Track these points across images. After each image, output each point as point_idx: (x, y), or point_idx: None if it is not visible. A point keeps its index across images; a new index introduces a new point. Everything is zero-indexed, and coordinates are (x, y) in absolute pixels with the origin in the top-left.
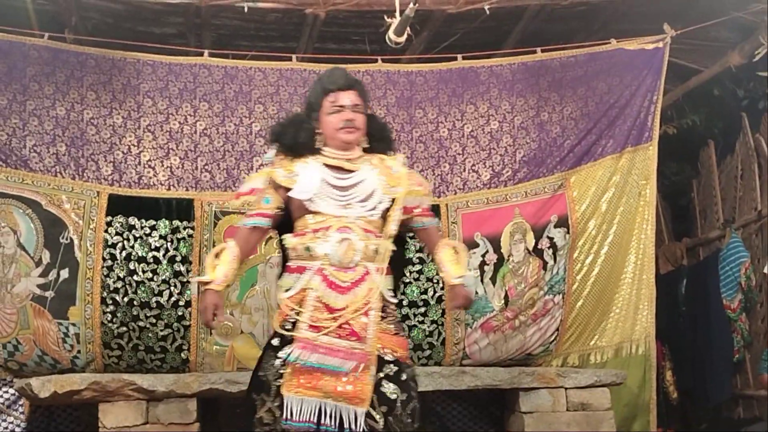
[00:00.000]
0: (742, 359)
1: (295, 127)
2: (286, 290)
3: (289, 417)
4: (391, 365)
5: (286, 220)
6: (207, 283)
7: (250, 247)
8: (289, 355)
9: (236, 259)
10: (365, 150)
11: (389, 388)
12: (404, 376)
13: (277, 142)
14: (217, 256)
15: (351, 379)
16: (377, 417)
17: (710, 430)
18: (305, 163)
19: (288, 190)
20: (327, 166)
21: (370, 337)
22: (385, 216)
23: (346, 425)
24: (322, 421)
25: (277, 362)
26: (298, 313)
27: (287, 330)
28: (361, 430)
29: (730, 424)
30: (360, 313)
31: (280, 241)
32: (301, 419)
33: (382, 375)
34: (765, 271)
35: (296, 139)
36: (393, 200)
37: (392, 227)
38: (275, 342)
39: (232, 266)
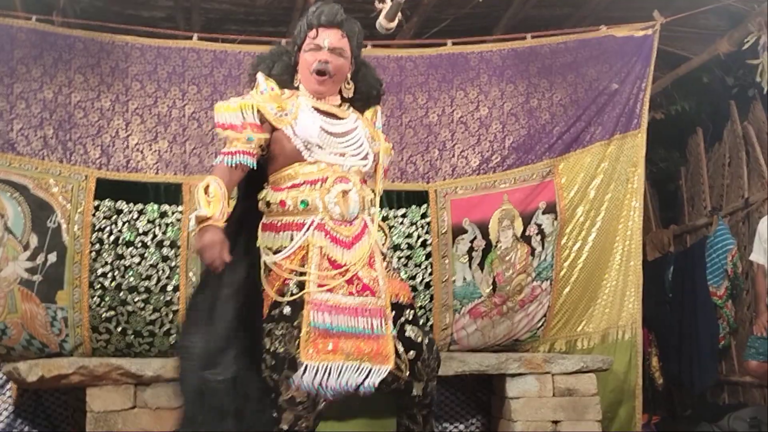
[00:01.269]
0: (727, 346)
1: (273, 58)
2: (276, 251)
3: (315, 386)
4: (409, 309)
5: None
6: (205, 220)
7: (232, 186)
8: (302, 320)
9: (226, 197)
10: (345, 100)
11: (413, 332)
12: (421, 320)
13: (260, 70)
14: (205, 191)
15: (372, 337)
16: (401, 366)
17: (696, 415)
18: (294, 102)
19: (274, 129)
20: (317, 110)
21: (383, 289)
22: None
23: (369, 384)
24: (348, 384)
25: (296, 332)
26: (302, 274)
27: (293, 294)
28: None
29: (716, 409)
30: (367, 265)
31: (246, 195)
32: (331, 387)
33: (403, 320)
34: (751, 258)
35: (270, 70)
36: (375, 155)
37: (380, 186)
38: (286, 311)
39: (225, 202)
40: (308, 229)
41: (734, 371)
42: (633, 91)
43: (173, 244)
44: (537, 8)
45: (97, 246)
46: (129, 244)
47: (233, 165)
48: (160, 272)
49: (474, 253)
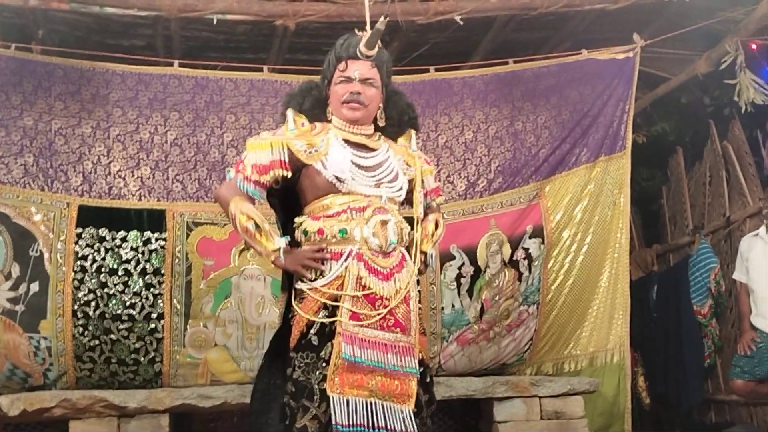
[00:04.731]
0: (713, 364)
1: (302, 94)
2: (313, 279)
3: (338, 421)
4: (419, 365)
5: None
6: (278, 248)
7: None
8: (331, 351)
9: (265, 219)
10: (378, 130)
11: (418, 390)
12: (428, 378)
13: (290, 107)
14: (257, 227)
15: (399, 376)
16: None
17: None
18: (324, 136)
19: (304, 165)
20: (347, 142)
21: (414, 327)
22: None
23: (390, 425)
24: (370, 422)
25: (321, 363)
26: (336, 299)
27: (324, 323)
28: (413, 429)
29: (703, 428)
30: (401, 301)
31: (284, 224)
32: (351, 423)
33: None
34: (734, 276)
35: (301, 106)
36: (410, 181)
37: (420, 210)
38: (314, 340)
39: (269, 226)
40: (347, 258)
41: (720, 390)
42: (616, 113)
43: (157, 272)
44: (516, 32)
45: (80, 274)
46: (112, 272)
47: (248, 194)
48: (144, 300)
49: (462, 280)
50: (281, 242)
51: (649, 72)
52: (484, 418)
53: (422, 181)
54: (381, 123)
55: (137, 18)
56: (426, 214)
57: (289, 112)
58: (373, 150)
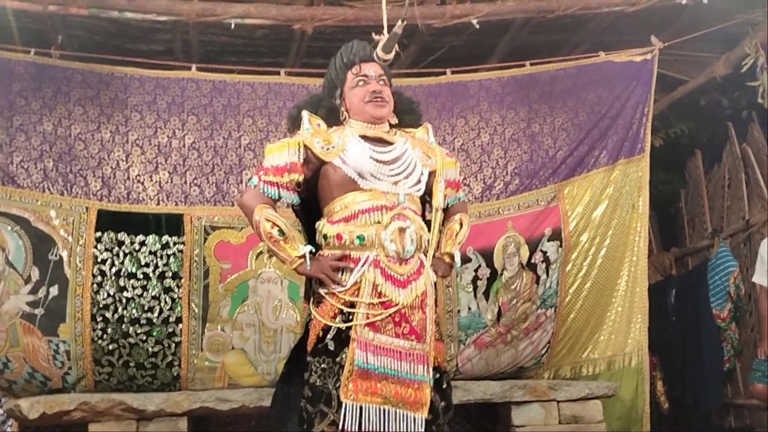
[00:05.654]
0: (732, 368)
1: (313, 102)
2: (338, 286)
3: (348, 428)
4: (436, 372)
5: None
6: (303, 255)
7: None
8: (344, 357)
9: (290, 226)
10: (393, 126)
11: (433, 396)
12: (444, 384)
13: (299, 112)
14: (282, 234)
15: (412, 383)
16: None
17: None
18: (341, 134)
19: (323, 162)
20: (364, 138)
21: (429, 334)
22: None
23: None
24: (382, 429)
25: (337, 368)
26: (352, 306)
27: (340, 328)
28: None
29: None
30: (417, 308)
31: (307, 231)
32: (361, 430)
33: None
34: (754, 280)
35: (316, 111)
36: (430, 173)
37: (440, 199)
38: (330, 346)
39: (294, 232)
40: (363, 264)
41: (740, 394)
42: (635, 116)
43: (175, 276)
44: (533, 35)
45: (99, 278)
46: (131, 276)
47: (273, 198)
48: (162, 304)
49: (479, 282)
50: (305, 249)
51: (666, 74)
52: (501, 422)
53: (444, 173)
54: (393, 121)
55: (156, 23)
56: (451, 214)
57: (305, 114)
58: (390, 143)
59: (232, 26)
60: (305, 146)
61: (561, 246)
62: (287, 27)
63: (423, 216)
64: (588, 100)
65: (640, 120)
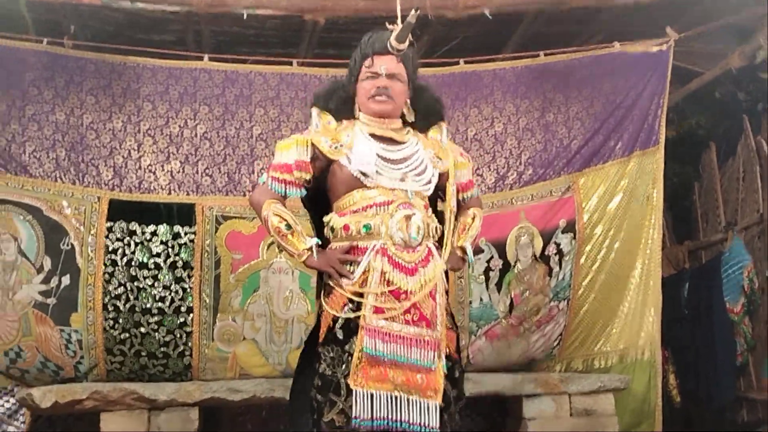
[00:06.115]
0: (745, 362)
1: (328, 93)
2: (346, 277)
3: (359, 415)
4: (446, 361)
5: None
6: (309, 247)
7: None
8: (354, 345)
9: (297, 221)
10: (409, 124)
11: (446, 385)
12: (456, 373)
13: (315, 107)
14: (289, 228)
15: (423, 370)
16: None
17: None
18: (350, 132)
19: (330, 161)
20: (374, 136)
21: (440, 321)
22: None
23: (413, 419)
24: (393, 416)
25: (346, 357)
26: (361, 296)
27: (348, 317)
28: (436, 424)
29: (734, 427)
30: (427, 295)
31: (317, 225)
32: (372, 417)
33: None
34: None
35: (327, 105)
36: (441, 175)
37: (453, 202)
38: (339, 335)
39: (301, 227)
40: (370, 253)
41: (753, 388)
42: (651, 107)
43: (186, 266)
44: (547, 26)
45: (111, 268)
46: (142, 265)
47: (282, 195)
48: (174, 294)
49: (491, 273)
50: (312, 242)
51: (681, 67)
52: (511, 415)
53: (455, 174)
54: (410, 118)
55: (167, 13)
56: (464, 208)
57: (314, 111)
58: (401, 143)
59: (244, 17)
60: (313, 144)
61: (575, 238)
62: (299, 18)
63: (434, 210)
64: (603, 90)
65: (655, 111)
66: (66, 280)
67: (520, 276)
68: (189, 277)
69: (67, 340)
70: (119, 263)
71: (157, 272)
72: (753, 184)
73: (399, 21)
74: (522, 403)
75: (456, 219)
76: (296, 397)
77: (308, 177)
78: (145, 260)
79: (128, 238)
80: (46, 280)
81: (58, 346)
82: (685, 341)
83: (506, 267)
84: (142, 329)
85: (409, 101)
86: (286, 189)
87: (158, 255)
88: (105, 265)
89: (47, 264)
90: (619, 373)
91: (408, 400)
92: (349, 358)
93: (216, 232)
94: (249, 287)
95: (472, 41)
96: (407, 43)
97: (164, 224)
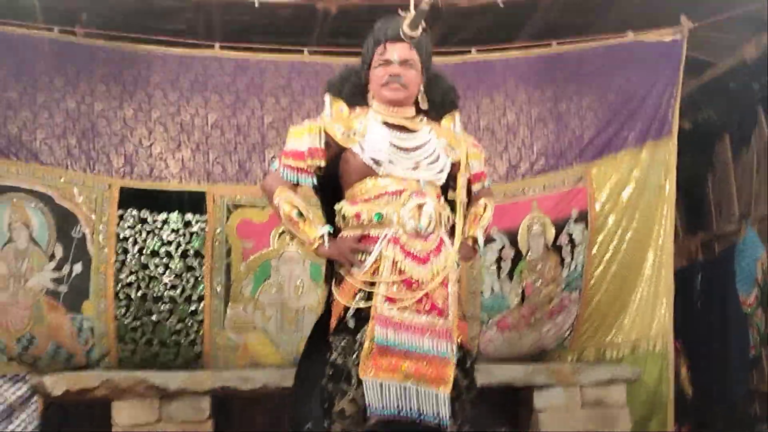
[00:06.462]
0: (758, 355)
1: (342, 80)
2: (356, 265)
3: (370, 404)
4: (458, 351)
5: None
6: (321, 236)
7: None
8: (365, 335)
9: (309, 209)
10: (420, 113)
11: (457, 375)
12: (468, 363)
13: (329, 93)
14: (301, 215)
15: (435, 359)
16: None
17: (726, 426)
18: (363, 119)
19: (342, 149)
20: (387, 124)
21: (452, 310)
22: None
23: (424, 408)
24: (403, 405)
25: (357, 346)
26: (372, 285)
27: (360, 306)
28: (447, 414)
29: (746, 420)
30: (439, 284)
31: (329, 213)
32: (383, 406)
33: None
34: None
35: (340, 92)
36: (453, 164)
37: (463, 195)
38: (351, 324)
39: (313, 214)
40: (381, 242)
41: (765, 381)
42: (664, 97)
43: (198, 254)
44: (560, 15)
45: (122, 256)
46: (154, 253)
47: (293, 183)
48: (185, 282)
49: (503, 263)
50: (324, 230)
51: (695, 57)
52: (523, 406)
53: (467, 164)
54: (423, 106)
55: (179, 1)
56: (476, 199)
57: (327, 98)
58: (413, 131)
59: (256, 5)
60: (326, 131)
61: (587, 228)
62: (311, 6)
63: (446, 199)
64: (616, 80)
65: (668, 101)
66: (78, 267)
67: (531, 266)
68: (200, 265)
69: (79, 327)
70: (130, 251)
71: (168, 260)
72: (767, 175)
73: (412, 8)
74: (533, 394)
75: (467, 209)
76: (300, 384)
77: (321, 164)
78: (156, 248)
79: (139, 226)
80: (57, 268)
81: (69, 333)
82: (698, 333)
83: (518, 257)
84: (154, 317)
85: (422, 89)
86: (298, 176)
87: (169, 243)
88: (116, 253)
89: (59, 252)
90: (630, 364)
91: (418, 390)
92: (360, 348)
93: (227, 220)
94: (260, 276)
95: (484, 31)
96: (420, 30)
97: (175, 212)
